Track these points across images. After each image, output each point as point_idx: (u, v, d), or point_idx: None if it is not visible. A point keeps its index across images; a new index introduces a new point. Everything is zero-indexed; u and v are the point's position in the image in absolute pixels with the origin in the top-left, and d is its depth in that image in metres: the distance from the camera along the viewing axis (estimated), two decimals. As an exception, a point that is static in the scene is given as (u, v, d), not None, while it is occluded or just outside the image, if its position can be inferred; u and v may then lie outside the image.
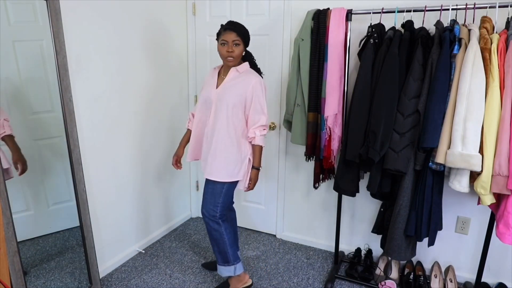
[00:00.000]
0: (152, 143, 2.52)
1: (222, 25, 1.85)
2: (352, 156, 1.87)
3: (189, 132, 2.08)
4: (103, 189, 2.16)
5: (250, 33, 1.89)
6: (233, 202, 2.22)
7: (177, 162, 2.10)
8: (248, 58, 1.95)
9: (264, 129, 1.88)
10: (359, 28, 2.09)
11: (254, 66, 1.96)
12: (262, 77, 1.96)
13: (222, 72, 1.93)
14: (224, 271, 2.02)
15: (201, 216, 3.06)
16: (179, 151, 2.11)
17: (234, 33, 1.78)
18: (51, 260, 1.93)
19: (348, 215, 2.47)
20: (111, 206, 2.24)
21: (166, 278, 2.23)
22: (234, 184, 1.96)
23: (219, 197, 1.92)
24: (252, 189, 1.98)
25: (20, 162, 1.69)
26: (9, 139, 1.64)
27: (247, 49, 1.95)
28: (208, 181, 1.96)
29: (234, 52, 1.80)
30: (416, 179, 1.79)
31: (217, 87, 1.90)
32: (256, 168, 1.93)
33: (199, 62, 2.76)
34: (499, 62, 1.54)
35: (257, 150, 1.90)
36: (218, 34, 1.84)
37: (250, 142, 1.90)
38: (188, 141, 2.08)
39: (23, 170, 1.70)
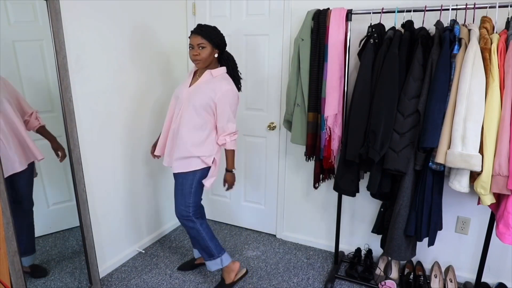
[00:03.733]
0: (152, 142, 2.51)
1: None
2: (352, 156, 1.87)
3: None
4: (103, 189, 2.16)
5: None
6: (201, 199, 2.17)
7: (152, 152, 2.16)
8: (227, 62, 1.95)
9: (234, 134, 1.92)
10: (359, 28, 2.09)
11: (232, 71, 1.96)
12: (240, 85, 1.99)
13: (198, 72, 1.96)
14: (212, 265, 2.06)
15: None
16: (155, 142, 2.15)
17: (199, 36, 1.81)
18: (51, 260, 1.92)
19: (348, 215, 2.47)
20: (111, 206, 2.24)
21: (166, 278, 2.23)
22: (201, 181, 1.96)
23: (189, 197, 1.95)
24: (230, 188, 2.02)
25: (61, 149, 1.81)
26: (44, 130, 1.74)
27: (231, 53, 1.99)
28: (176, 178, 1.97)
29: (199, 55, 1.82)
30: (416, 179, 1.79)
31: (189, 86, 1.93)
32: (229, 171, 1.97)
33: (199, 62, 2.76)
34: (499, 62, 1.54)
35: (229, 154, 1.94)
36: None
37: (222, 146, 1.93)
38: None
39: (64, 156, 1.83)
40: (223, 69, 1.93)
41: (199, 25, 1.85)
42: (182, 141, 1.89)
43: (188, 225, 1.99)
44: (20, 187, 1.68)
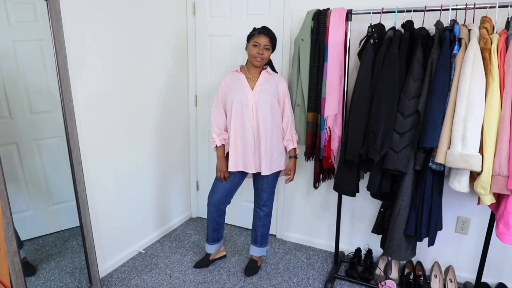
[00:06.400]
0: (152, 143, 2.52)
1: (255, 28, 2.00)
2: (352, 156, 1.87)
3: (222, 147, 2.08)
4: (103, 189, 2.16)
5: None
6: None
7: (226, 175, 2.09)
8: (269, 62, 2.11)
9: (296, 135, 2.11)
10: (359, 28, 2.09)
11: (274, 69, 2.15)
12: None
13: (250, 74, 2.04)
14: (264, 251, 2.34)
15: (201, 216, 3.06)
16: (224, 165, 2.08)
17: (268, 38, 1.95)
18: (51, 260, 1.92)
19: (348, 215, 2.47)
20: (111, 206, 2.24)
21: (166, 278, 2.23)
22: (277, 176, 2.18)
23: (274, 193, 2.21)
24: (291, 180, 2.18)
25: None
26: None
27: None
28: (267, 177, 2.10)
29: (263, 55, 1.96)
30: (416, 179, 1.79)
31: (252, 89, 2.01)
32: (294, 156, 2.13)
33: (199, 62, 2.76)
34: (499, 62, 1.54)
35: (292, 152, 2.11)
36: (251, 36, 1.99)
37: (286, 146, 2.09)
38: (225, 154, 2.08)
39: None
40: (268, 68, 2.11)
41: (266, 28, 1.99)
42: (272, 141, 2.02)
43: (270, 215, 2.25)
44: None
